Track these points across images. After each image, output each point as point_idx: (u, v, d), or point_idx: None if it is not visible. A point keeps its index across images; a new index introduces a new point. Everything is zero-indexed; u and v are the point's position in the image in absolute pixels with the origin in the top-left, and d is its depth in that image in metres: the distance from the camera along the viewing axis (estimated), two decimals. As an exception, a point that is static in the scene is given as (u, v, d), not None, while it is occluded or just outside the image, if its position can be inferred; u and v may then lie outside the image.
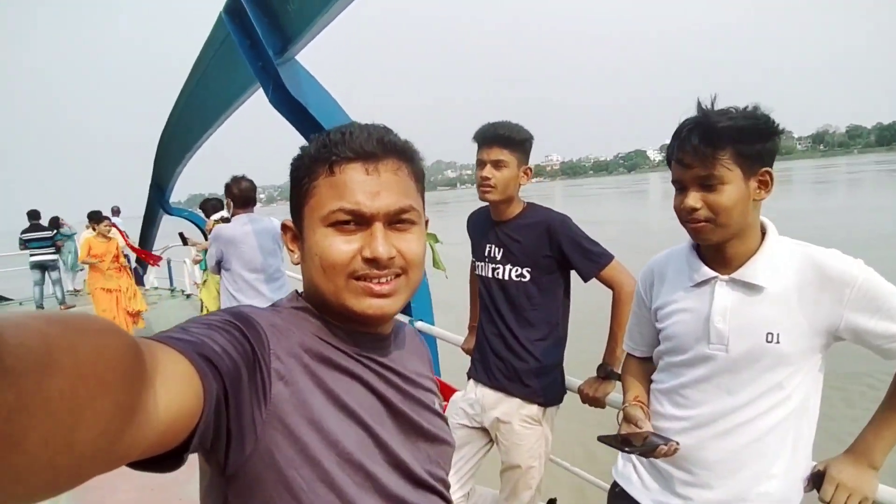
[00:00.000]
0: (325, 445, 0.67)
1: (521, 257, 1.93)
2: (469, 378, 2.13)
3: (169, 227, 9.45)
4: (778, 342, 1.13)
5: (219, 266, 3.75)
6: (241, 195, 3.70)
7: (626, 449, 1.18)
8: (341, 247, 0.72)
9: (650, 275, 1.40)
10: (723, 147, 1.09)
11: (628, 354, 1.53)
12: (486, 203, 1.99)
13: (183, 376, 0.51)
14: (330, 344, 0.74)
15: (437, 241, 2.44)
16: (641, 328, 1.45)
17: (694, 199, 1.13)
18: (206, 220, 5.84)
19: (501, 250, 1.97)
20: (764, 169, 1.12)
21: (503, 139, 1.86)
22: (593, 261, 1.86)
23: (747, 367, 1.16)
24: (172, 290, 10.63)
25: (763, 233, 1.21)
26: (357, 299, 0.73)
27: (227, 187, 3.72)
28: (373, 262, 0.72)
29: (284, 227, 0.81)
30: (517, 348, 1.94)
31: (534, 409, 1.93)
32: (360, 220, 0.73)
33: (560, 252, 1.88)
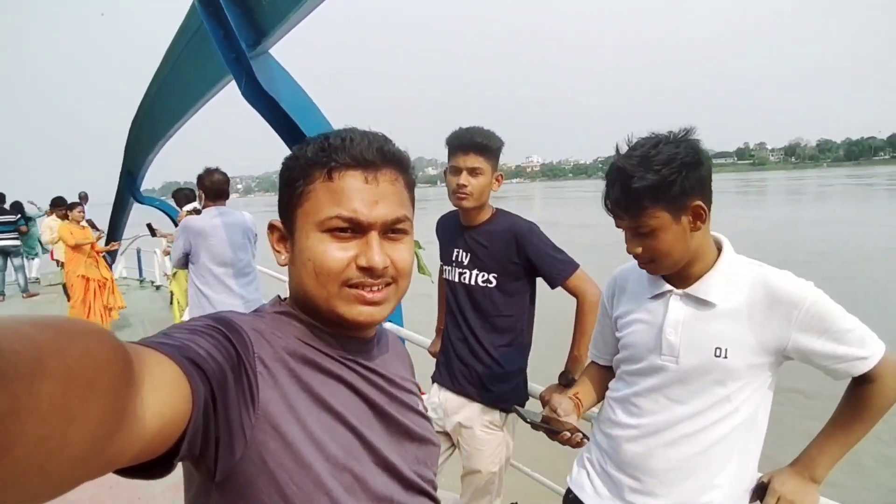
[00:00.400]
0: (315, 448, 0.67)
1: (488, 263, 1.93)
2: (433, 382, 2.13)
3: (139, 215, 9.23)
4: (726, 357, 1.16)
5: (186, 259, 3.67)
6: (213, 187, 3.64)
7: (529, 421, 1.23)
8: (336, 254, 0.72)
9: (613, 285, 1.44)
10: (642, 202, 1.13)
11: (591, 362, 1.55)
12: (456, 207, 1.99)
13: (171, 379, 0.51)
14: (314, 348, 0.75)
15: (419, 247, 2.43)
16: (605, 337, 1.48)
17: (633, 245, 1.20)
18: (179, 210, 5.70)
19: (469, 255, 1.97)
20: (695, 203, 1.13)
21: (480, 147, 1.86)
22: (559, 269, 1.88)
23: (696, 379, 1.19)
24: (142, 282, 10.41)
25: (719, 249, 1.24)
26: (349, 306, 0.73)
27: (199, 179, 3.66)
28: (367, 270, 0.73)
29: (272, 226, 0.80)
30: (481, 354, 1.94)
31: (496, 415, 1.94)
32: (356, 228, 0.73)
33: (527, 259, 1.90)
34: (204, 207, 3.69)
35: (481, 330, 1.95)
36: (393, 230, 0.76)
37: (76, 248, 6.51)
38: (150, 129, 4.99)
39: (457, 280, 2.01)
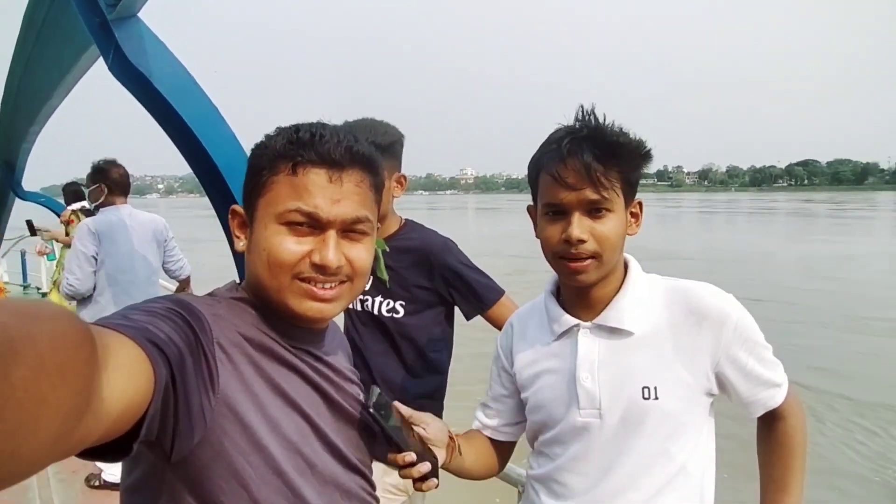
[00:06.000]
0: (271, 431, 0.69)
1: (395, 288, 1.58)
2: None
3: (21, 213, 8.15)
4: (657, 398, 0.95)
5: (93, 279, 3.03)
6: (121, 181, 3.18)
7: (379, 422, 0.84)
8: (291, 247, 0.73)
9: (510, 331, 1.17)
10: (616, 167, 0.93)
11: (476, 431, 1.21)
12: None
13: (134, 362, 0.51)
14: (269, 336, 0.76)
15: (383, 247, 2.03)
16: (498, 396, 1.18)
17: (581, 228, 0.93)
18: (66, 207, 5.00)
19: (371, 278, 1.60)
20: (638, 200, 1.01)
21: (377, 148, 1.49)
22: (480, 296, 1.56)
23: (628, 434, 0.96)
24: (25, 287, 9.32)
25: (625, 269, 1.04)
26: (298, 300, 0.74)
27: (102, 171, 3.15)
28: (320, 268, 0.73)
29: (234, 212, 0.81)
30: (386, 399, 1.57)
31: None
32: (314, 224, 0.73)
33: (443, 283, 1.56)
34: (108, 205, 3.17)
35: (388, 371, 1.59)
36: (352, 230, 0.76)
37: None
38: (20, 112, 4.26)
39: (359, 309, 1.64)
